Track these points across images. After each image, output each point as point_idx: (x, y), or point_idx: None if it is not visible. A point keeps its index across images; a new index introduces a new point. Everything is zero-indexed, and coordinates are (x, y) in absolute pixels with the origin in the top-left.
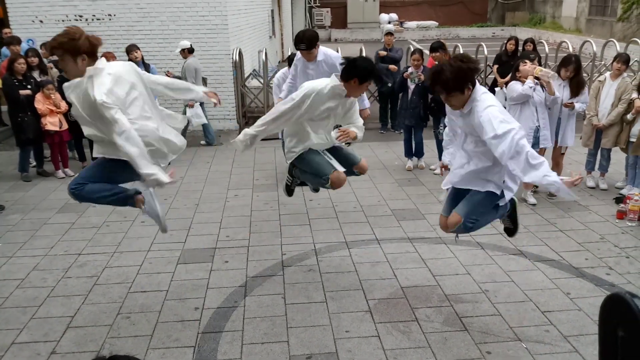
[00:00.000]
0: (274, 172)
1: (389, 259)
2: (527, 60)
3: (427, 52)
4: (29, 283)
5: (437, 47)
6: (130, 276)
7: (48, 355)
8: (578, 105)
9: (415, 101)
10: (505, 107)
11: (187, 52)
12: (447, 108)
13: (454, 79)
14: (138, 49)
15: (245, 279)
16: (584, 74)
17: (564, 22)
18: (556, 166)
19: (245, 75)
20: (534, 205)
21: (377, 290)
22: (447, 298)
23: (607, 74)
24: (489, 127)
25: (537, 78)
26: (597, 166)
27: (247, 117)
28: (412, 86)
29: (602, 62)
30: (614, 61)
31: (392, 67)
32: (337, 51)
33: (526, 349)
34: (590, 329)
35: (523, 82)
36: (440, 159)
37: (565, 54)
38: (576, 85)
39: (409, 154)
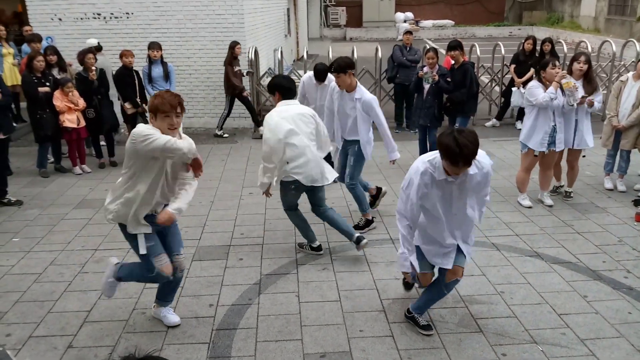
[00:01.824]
0: None
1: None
2: (556, 63)
3: (442, 51)
4: (47, 277)
5: (455, 45)
6: None
7: (65, 349)
8: (597, 104)
9: (430, 101)
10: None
11: (96, 50)
12: (433, 180)
13: (476, 150)
14: (160, 48)
15: (260, 277)
16: (603, 74)
17: (582, 21)
18: (571, 170)
19: (261, 74)
20: (550, 206)
21: (392, 289)
22: (462, 299)
23: (630, 74)
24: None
25: (561, 87)
26: (615, 167)
27: (262, 115)
28: (427, 86)
29: (622, 63)
30: (638, 61)
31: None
32: (353, 50)
33: (542, 352)
34: (608, 333)
35: (547, 86)
36: None
37: (576, 53)
38: (588, 82)
39: (423, 154)
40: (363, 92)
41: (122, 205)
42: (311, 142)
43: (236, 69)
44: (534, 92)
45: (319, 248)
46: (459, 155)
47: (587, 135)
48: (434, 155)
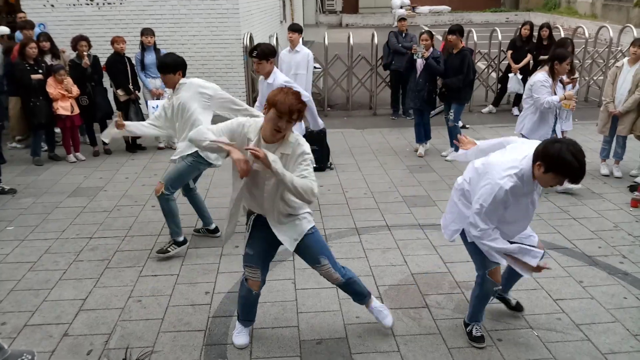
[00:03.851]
0: None
1: (400, 246)
2: (570, 62)
3: (438, 37)
4: (41, 266)
5: (454, 30)
6: (142, 260)
7: (60, 337)
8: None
9: (421, 84)
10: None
11: (7, 38)
12: (519, 193)
13: None
14: (153, 34)
15: None
16: (600, 60)
17: (579, 7)
18: None
19: None
20: (546, 193)
21: (388, 276)
22: (458, 285)
23: (625, 59)
24: None
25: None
26: (612, 154)
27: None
28: (420, 68)
29: (619, 48)
30: (631, 46)
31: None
32: (349, 36)
33: (537, 337)
34: (603, 318)
35: (556, 78)
36: (452, 145)
37: (561, 38)
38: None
39: (419, 139)
40: (276, 76)
41: None
42: None
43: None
44: (540, 90)
45: (215, 230)
46: (580, 172)
47: (568, 121)
48: (516, 168)
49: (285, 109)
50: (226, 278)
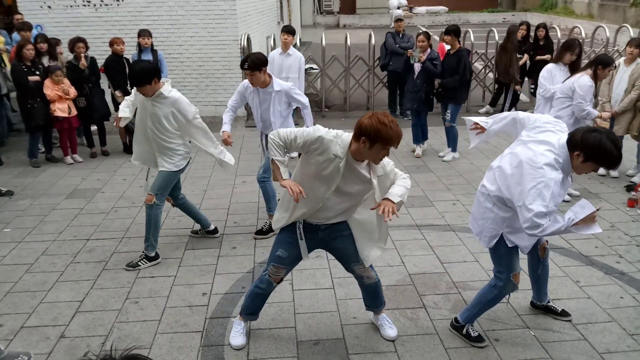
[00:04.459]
0: None
1: (397, 246)
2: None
3: (435, 37)
4: (38, 268)
5: (449, 30)
6: None
7: (57, 339)
8: None
9: (418, 85)
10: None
11: None
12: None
13: None
14: (150, 35)
15: (253, 265)
16: None
17: (576, 7)
18: None
19: None
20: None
21: (385, 276)
22: (455, 285)
23: (622, 59)
24: None
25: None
26: None
27: None
28: (417, 68)
29: (615, 48)
30: (627, 45)
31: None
32: (346, 37)
33: (534, 337)
34: (600, 317)
35: (597, 83)
36: (449, 145)
37: (568, 39)
38: (573, 71)
39: (417, 139)
40: (280, 83)
41: None
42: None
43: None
44: (587, 95)
45: (214, 231)
46: (618, 160)
47: None
48: (557, 161)
49: (393, 139)
50: (223, 279)
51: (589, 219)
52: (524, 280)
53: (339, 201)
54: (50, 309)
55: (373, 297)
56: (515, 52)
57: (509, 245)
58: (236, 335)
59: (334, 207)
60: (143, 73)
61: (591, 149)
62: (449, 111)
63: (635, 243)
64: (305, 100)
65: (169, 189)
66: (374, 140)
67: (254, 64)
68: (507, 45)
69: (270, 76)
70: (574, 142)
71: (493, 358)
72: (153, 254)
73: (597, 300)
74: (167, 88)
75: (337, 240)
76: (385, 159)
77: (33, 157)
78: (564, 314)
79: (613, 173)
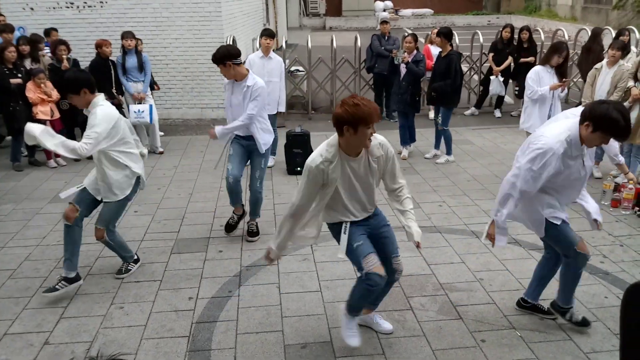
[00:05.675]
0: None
1: None
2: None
3: (421, 39)
4: (21, 273)
5: (441, 32)
6: None
7: (41, 345)
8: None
9: (404, 87)
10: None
11: None
12: (569, 157)
13: None
14: (134, 37)
15: (240, 269)
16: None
17: (560, 10)
18: None
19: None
20: None
21: None
22: (442, 287)
23: (604, 61)
24: None
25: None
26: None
27: None
28: (403, 71)
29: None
30: (609, 48)
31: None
32: (332, 39)
33: (520, 337)
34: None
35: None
36: (436, 147)
37: (557, 41)
38: (561, 75)
39: (404, 141)
40: (255, 80)
41: None
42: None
43: None
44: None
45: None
46: (626, 129)
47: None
48: (567, 132)
49: (372, 115)
50: (210, 283)
51: (493, 230)
52: (510, 282)
53: (368, 192)
54: (34, 315)
55: (385, 293)
56: (601, 53)
57: (557, 223)
58: (353, 336)
59: (368, 198)
60: (70, 82)
61: (598, 118)
62: (440, 114)
63: (619, 243)
64: (251, 112)
65: (118, 217)
66: (355, 124)
67: (214, 58)
68: (593, 46)
69: (247, 70)
70: (583, 114)
71: (480, 359)
72: (73, 275)
73: (581, 300)
74: (97, 102)
75: (384, 228)
76: (382, 140)
77: (16, 160)
78: (549, 312)
79: (596, 174)
